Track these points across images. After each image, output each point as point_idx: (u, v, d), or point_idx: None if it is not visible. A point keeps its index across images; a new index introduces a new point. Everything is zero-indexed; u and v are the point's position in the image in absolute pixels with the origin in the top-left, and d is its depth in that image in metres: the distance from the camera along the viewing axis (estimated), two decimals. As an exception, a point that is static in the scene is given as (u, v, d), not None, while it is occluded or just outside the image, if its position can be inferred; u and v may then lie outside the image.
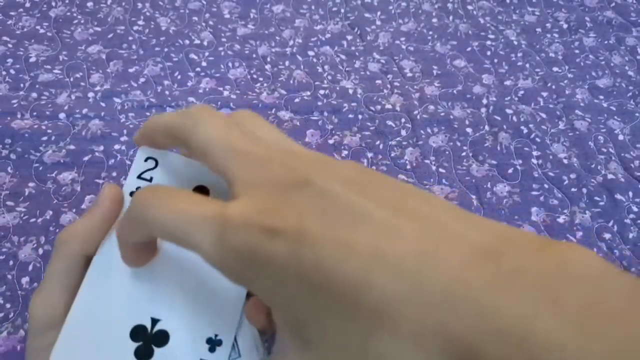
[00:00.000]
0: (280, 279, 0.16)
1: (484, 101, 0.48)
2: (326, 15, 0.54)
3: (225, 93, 0.46)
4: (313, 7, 0.55)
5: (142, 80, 0.46)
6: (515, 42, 0.53)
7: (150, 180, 0.24)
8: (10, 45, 0.48)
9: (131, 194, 0.24)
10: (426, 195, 0.18)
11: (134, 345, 0.22)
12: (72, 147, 0.41)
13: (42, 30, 0.49)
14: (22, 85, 0.45)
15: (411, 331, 0.15)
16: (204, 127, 0.20)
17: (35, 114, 0.43)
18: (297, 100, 0.46)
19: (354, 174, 0.18)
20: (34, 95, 0.44)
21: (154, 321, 0.22)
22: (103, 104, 0.44)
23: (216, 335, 0.23)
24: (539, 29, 0.55)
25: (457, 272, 0.15)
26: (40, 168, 0.40)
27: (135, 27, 0.51)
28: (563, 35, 0.55)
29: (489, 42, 0.53)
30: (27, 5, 0.51)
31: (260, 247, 0.16)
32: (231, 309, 0.24)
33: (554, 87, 0.50)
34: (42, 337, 0.22)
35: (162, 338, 0.22)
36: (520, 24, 0.55)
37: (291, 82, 0.48)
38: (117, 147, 0.41)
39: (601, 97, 0.49)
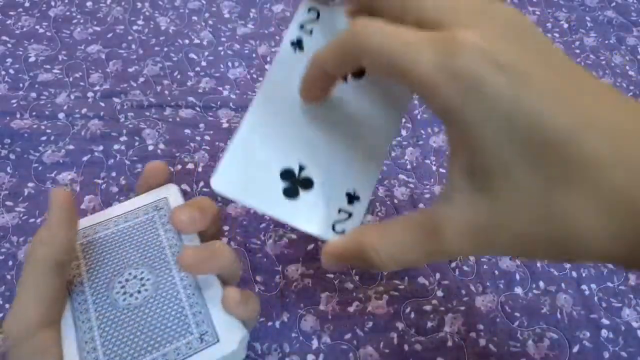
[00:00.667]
0: (489, 113, 0.16)
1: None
2: (326, 14, 0.54)
3: (225, 93, 0.46)
4: (313, 7, 0.54)
5: (141, 79, 0.46)
6: (516, 42, 0.53)
7: (311, 32, 0.25)
8: (9, 45, 0.48)
9: (292, 43, 0.25)
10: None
11: (283, 183, 0.23)
12: (71, 147, 0.41)
13: (41, 30, 0.49)
14: (21, 85, 0.45)
15: (608, 194, 0.15)
16: None
17: (34, 113, 0.43)
18: None
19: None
20: (33, 95, 0.44)
21: (301, 167, 0.24)
22: (102, 104, 0.44)
23: (355, 191, 0.24)
24: (539, 29, 0.55)
25: None
26: (40, 168, 0.40)
27: (134, 27, 0.51)
28: (564, 35, 0.54)
29: (489, 42, 0.53)
30: (27, 4, 0.51)
31: (484, 77, 0.16)
32: (372, 170, 0.25)
33: (554, 87, 0.49)
34: (19, 347, 0.22)
35: (307, 183, 0.24)
36: (521, 24, 0.55)
37: (291, 81, 0.48)
38: (116, 147, 0.41)
39: (602, 97, 0.49)
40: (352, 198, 0.24)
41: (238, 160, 0.23)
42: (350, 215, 0.24)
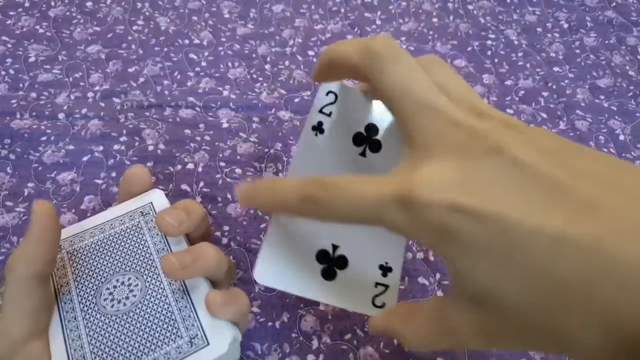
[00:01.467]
0: (465, 250, 0.17)
1: (485, 101, 0.48)
2: (326, 14, 0.54)
3: (225, 93, 0.46)
4: (313, 7, 0.54)
5: (141, 80, 0.46)
6: (516, 42, 0.53)
7: (330, 114, 0.26)
8: (9, 45, 0.48)
9: (313, 128, 0.26)
10: (630, 166, 0.17)
11: (320, 266, 0.25)
12: (71, 147, 0.41)
13: (41, 30, 0.49)
14: (21, 85, 0.45)
15: (601, 312, 0.15)
16: (393, 70, 0.19)
17: (34, 114, 0.43)
18: (297, 100, 0.46)
19: (546, 140, 0.18)
20: (33, 95, 0.44)
21: (335, 247, 0.25)
22: (102, 104, 0.44)
23: (386, 263, 0.26)
24: (539, 29, 0.55)
25: None
26: (40, 168, 0.40)
27: (134, 27, 0.51)
28: (564, 35, 0.54)
29: (489, 42, 0.53)
30: (27, 5, 0.51)
31: (449, 222, 0.17)
32: (398, 239, 0.26)
33: (554, 87, 0.49)
34: None
35: (342, 262, 0.25)
36: (521, 24, 0.55)
37: (291, 82, 0.48)
38: (116, 147, 0.41)
39: (602, 97, 0.49)
40: (385, 270, 0.26)
41: (275, 250, 0.24)
42: (386, 287, 0.25)
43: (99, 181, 0.39)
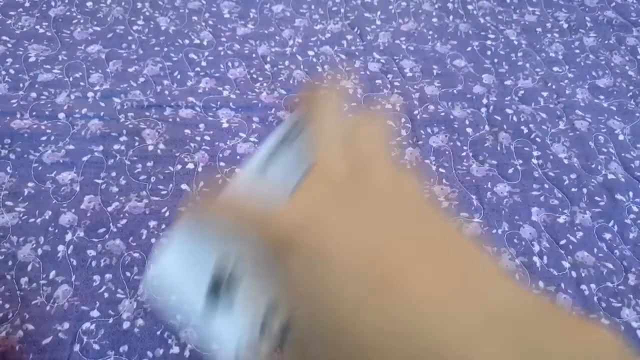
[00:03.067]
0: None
1: (484, 101, 0.48)
2: (326, 14, 0.54)
3: (225, 93, 0.46)
4: (313, 7, 0.54)
5: (141, 80, 0.46)
6: (516, 42, 0.53)
7: (290, 143, 0.23)
8: (9, 45, 0.48)
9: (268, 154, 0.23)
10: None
11: (209, 280, 0.22)
12: (71, 147, 0.41)
13: (41, 30, 0.49)
14: (21, 85, 0.45)
15: None
16: (321, 121, 0.21)
17: (34, 113, 0.43)
18: (297, 100, 0.46)
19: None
20: (34, 95, 0.44)
21: (233, 273, 0.23)
22: (102, 104, 0.44)
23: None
24: (539, 29, 0.55)
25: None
26: (40, 168, 0.40)
27: (134, 27, 0.51)
28: (563, 35, 0.54)
29: (489, 42, 0.53)
30: (27, 4, 0.51)
31: None
32: None
33: (554, 87, 0.49)
34: None
35: (229, 301, 0.23)
36: (521, 24, 0.55)
37: (291, 81, 0.48)
38: (116, 147, 0.41)
39: (601, 97, 0.49)
40: (264, 328, 0.24)
41: (178, 250, 0.22)
42: (256, 352, 0.24)
43: (99, 181, 0.39)
